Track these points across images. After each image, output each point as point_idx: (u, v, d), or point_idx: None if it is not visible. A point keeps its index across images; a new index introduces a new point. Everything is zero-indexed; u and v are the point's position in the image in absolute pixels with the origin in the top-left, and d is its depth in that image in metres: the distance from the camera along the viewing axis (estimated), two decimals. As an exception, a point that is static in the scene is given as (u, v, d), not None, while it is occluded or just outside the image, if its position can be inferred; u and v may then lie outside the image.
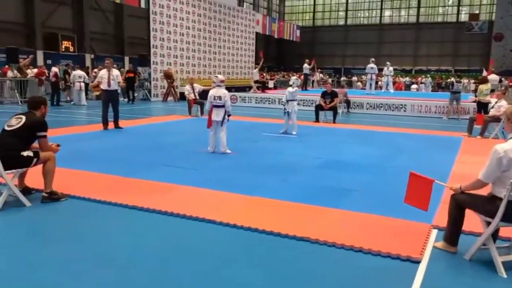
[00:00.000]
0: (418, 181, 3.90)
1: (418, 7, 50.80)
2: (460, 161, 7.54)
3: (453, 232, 3.72)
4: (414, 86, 33.23)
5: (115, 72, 10.74)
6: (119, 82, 10.84)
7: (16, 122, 4.71)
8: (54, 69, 17.80)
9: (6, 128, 4.72)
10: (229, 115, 8.00)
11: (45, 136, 4.82)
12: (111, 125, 10.67)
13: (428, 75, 39.40)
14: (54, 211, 4.61)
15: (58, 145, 5.12)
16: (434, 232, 4.18)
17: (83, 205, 4.82)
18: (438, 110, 16.34)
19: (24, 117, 4.76)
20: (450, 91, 16.45)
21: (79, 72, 18.43)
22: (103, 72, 10.59)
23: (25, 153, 4.64)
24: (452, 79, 20.97)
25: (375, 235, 4.00)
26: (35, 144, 4.87)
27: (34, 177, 5.05)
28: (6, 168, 4.49)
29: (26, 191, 5.01)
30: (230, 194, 5.22)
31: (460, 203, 3.65)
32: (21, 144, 4.67)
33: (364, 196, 5.38)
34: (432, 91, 33.75)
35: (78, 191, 5.13)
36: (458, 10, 49.19)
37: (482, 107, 12.90)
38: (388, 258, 3.59)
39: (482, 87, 13.35)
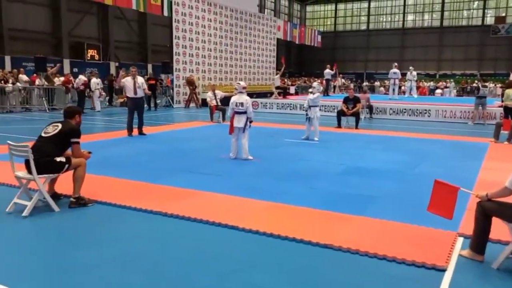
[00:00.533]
0: (443, 189, 3.85)
1: (442, 10, 50.08)
2: (486, 168, 7.38)
3: (479, 240, 3.65)
4: (438, 91, 32.68)
5: (140, 79, 10.93)
6: (144, 89, 11.02)
7: (53, 129, 4.89)
8: (83, 77, 18.13)
9: (43, 134, 4.90)
10: (250, 121, 8.05)
11: (78, 143, 4.99)
12: (135, 131, 10.87)
13: (451, 80, 38.61)
14: (82, 216, 4.73)
15: (89, 152, 5.28)
16: (460, 240, 4.11)
17: (109, 210, 4.93)
18: (464, 115, 16.04)
19: (60, 125, 4.94)
20: (476, 95, 16.13)
21: (96, 80, 18.88)
22: (129, 80, 10.73)
23: (58, 159, 4.80)
24: (478, 83, 20.55)
25: (399, 243, 3.96)
26: (68, 151, 5.03)
27: (62, 183, 5.20)
28: (39, 172, 4.66)
29: (55, 196, 5.16)
30: (253, 200, 5.25)
31: (487, 210, 3.59)
32: (57, 150, 4.84)
33: (387, 203, 5.33)
34: (457, 95, 33.13)
35: (104, 197, 5.25)
36: (484, 13, 48.23)
37: (509, 112, 12.62)
38: (413, 266, 3.55)
39: (509, 91, 13.05)
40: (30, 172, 4.67)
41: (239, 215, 4.66)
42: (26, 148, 4.60)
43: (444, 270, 3.46)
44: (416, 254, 3.68)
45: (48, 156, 4.73)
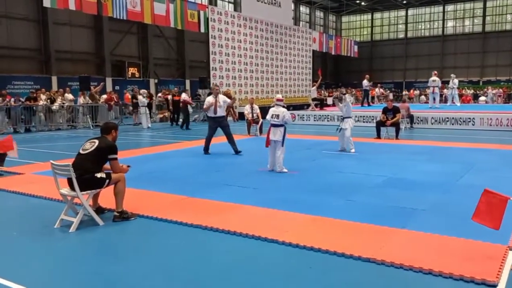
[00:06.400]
0: (492, 198, 3.70)
1: (484, 15, 48.44)
2: (538, 178, 7.00)
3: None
4: (482, 98, 31.46)
5: (222, 97, 10.41)
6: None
7: (90, 146, 5.06)
8: (184, 95, 18.38)
9: (81, 151, 5.07)
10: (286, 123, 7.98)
11: (116, 159, 5.12)
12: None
13: (489, 87, 36.76)
14: (125, 230, 4.86)
15: (128, 166, 5.42)
16: (511, 254, 3.91)
17: (151, 223, 5.04)
18: (511, 123, 15.35)
19: (97, 141, 5.10)
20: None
21: (142, 98, 19.35)
22: (210, 99, 10.21)
23: (98, 175, 4.96)
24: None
25: (446, 257, 3.81)
26: (107, 166, 5.18)
27: (106, 197, 5.36)
28: (81, 189, 4.82)
29: (100, 210, 5.32)
30: (292, 214, 5.21)
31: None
32: (95, 167, 4.99)
33: (431, 215, 5.16)
34: (504, 102, 31.80)
35: (146, 211, 5.37)
36: (529, 16, 46.29)
37: None
38: (461, 281, 3.40)
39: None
40: (72, 189, 4.84)
41: (278, 229, 4.63)
42: (68, 167, 4.76)
43: (495, 286, 3.30)
44: (463, 269, 3.53)
45: (88, 173, 4.88)
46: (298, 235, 4.41)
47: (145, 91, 20.56)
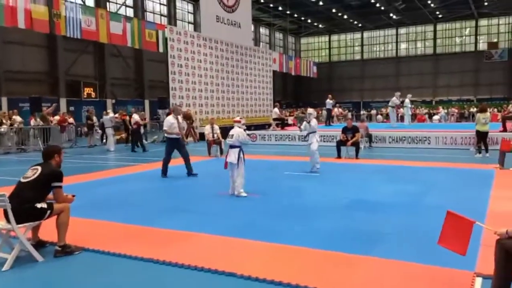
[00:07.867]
0: (456, 222, 3.55)
1: (434, 38, 50.86)
2: (496, 197, 7.03)
3: (501, 283, 3.31)
4: (436, 117, 32.57)
5: (180, 118, 10.13)
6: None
7: (32, 174, 4.59)
8: (136, 117, 17.49)
9: (22, 180, 4.59)
10: (240, 146, 7.72)
11: (60, 187, 4.66)
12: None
13: (440, 107, 38.22)
14: (68, 266, 4.38)
15: (73, 196, 4.94)
16: (478, 280, 3.76)
17: (98, 258, 4.57)
18: (465, 141, 15.80)
19: (40, 168, 4.64)
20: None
21: (108, 117, 18.52)
22: (171, 119, 9.92)
23: (39, 205, 4.47)
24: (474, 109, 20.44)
25: (414, 287, 3.61)
26: (50, 195, 4.71)
27: (48, 229, 4.85)
28: (19, 221, 4.33)
29: (40, 244, 4.82)
30: (251, 242, 4.91)
31: (508, 249, 3.26)
32: (37, 196, 4.51)
33: (396, 239, 4.99)
34: (456, 121, 33.06)
35: (93, 243, 4.90)
36: (476, 39, 48.97)
37: (481, 136, 12.97)
38: (430, 314, 3.20)
39: (480, 116, 13.20)
40: (8, 221, 4.34)
41: (237, 260, 4.32)
42: (3, 198, 4.27)
43: (465, 318, 3.11)
44: (432, 300, 3.33)
45: (28, 202, 4.41)
46: (257, 267, 4.10)
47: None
